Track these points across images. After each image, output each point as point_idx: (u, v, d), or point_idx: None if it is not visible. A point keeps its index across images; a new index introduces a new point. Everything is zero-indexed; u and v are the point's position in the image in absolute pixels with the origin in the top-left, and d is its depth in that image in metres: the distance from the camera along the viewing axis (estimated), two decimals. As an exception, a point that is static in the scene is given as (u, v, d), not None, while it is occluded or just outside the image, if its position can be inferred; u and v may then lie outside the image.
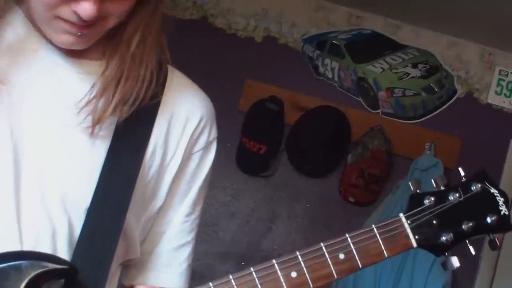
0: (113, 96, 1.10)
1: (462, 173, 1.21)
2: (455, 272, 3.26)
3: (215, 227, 3.46)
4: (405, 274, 3.18)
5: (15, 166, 1.05)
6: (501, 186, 3.44)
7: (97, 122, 1.09)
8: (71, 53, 1.12)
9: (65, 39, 1.06)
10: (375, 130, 3.38)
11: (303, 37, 3.50)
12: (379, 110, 3.46)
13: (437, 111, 3.44)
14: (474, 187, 1.20)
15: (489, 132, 3.41)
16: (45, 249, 1.06)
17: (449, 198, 1.18)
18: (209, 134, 1.26)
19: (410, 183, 1.20)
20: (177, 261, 1.26)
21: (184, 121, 1.21)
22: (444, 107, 3.45)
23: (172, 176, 1.20)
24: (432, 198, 1.18)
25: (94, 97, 1.09)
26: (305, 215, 3.47)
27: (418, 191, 1.19)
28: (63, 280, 1.03)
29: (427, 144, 3.33)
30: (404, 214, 1.17)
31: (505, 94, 3.42)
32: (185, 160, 1.22)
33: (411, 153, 3.35)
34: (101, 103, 1.09)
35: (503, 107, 3.43)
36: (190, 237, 1.28)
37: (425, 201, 1.17)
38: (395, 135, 3.40)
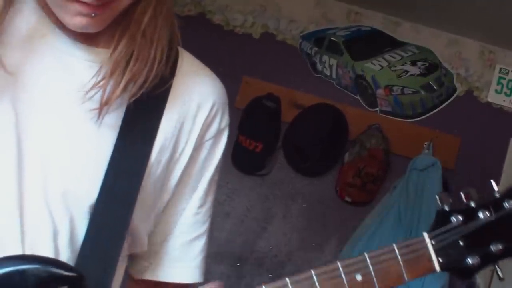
0: (122, 77, 1.05)
1: (496, 188, 1.10)
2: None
3: (210, 226, 3.40)
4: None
5: (18, 160, 1.01)
6: (501, 187, 3.40)
7: (105, 104, 1.04)
8: (81, 40, 1.08)
9: (78, 22, 1.01)
10: (373, 128, 3.34)
11: (301, 34, 3.46)
12: (377, 108, 3.41)
13: (436, 110, 3.40)
14: (508, 205, 1.09)
15: (489, 131, 3.36)
16: (46, 247, 1.02)
17: (479, 216, 1.08)
18: (221, 121, 1.19)
19: (437, 196, 1.10)
20: (191, 254, 1.22)
21: (196, 108, 1.15)
22: (443, 105, 3.41)
23: (182, 168, 1.15)
24: (460, 217, 1.07)
25: (102, 78, 1.04)
26: (301, 215, 3.42)
27: (445, 207, 1.08)
28: (66, 286, 1.01)
29: (425, 143, 3.29)
30: (428, 232, 1.07)
31: (505, 93, 3.38)
32: (196, 150, 1.16)
33: (409, 152, 3.31)
34: (109, 85, 1.05)
35: (503, 106, 3.39)
36: (203, 229, 1.23)
37: (452, 219, 1.07)
38: (393, 134, 3.36)
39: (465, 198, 1.09)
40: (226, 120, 1.21)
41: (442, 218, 1.08)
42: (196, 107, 1.15)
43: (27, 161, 1.02)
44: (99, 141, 1.06)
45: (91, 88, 1.04)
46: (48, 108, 1.04)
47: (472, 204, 1.09)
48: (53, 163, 1.03)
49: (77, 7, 0.99)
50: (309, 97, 3.40)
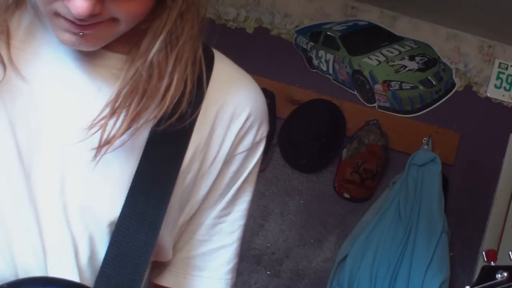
0: (125, 115, 0.97)
1: None
2: (454, 269, 3.21)
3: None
4: (402, 272, 3.13)
5: (27, 174, 0.96)
6: (501, 182, 3.40)
7: (104, 144, 0.96)
8: None
9: (67, 38, 0.93)
10: (371, 124, 3.30)
11: (296, 29, 3.39)
12: (375, 104, 3.37)
13: (435, 105, 3.37)
14: None
15: (488, 127, 3.35)
16: (69, 267, 0.98)
17: None
18: (256, 134, 1.12)
19: (484, 253, 1.09)
20: (213, 265, 1.15)
21: (229, 119, 1.08)
22: (442, 100, 3.38)
23: (211, 182, 1.09)
24: (505, 273, 1.06)
25: (104, 117, 0.97)
26: (299, 212, 3.39)
27: (492, 263, 1.08)
28: None
29: (424, 138, 3.27)
30: (471, 286, 1.07)
31: (504, 88, 3.36)
32: (226, 163, 1.09)
33: (408, 148, 3.29)
34: (111, 121, 0.96)
35: (503, 101, 3.38)
36: (230, 239, 1.16)
37: (497, 276, 1.06)
38: (391, 130, 3.33)
39: None
40: (262, 132, 1.14)
41: (486, 274, 1.07)
42: (230, 117, 1.08)
43: (42, 177, 0.97)
44: (123, 154, 0.99)
45: (92, 126, 0.97)
46: (61, 119, 0.99)
47: None
48: (70, 180, 0.98)
49: (64, 23, 0.92)
50: (305, 93, 3.35)
